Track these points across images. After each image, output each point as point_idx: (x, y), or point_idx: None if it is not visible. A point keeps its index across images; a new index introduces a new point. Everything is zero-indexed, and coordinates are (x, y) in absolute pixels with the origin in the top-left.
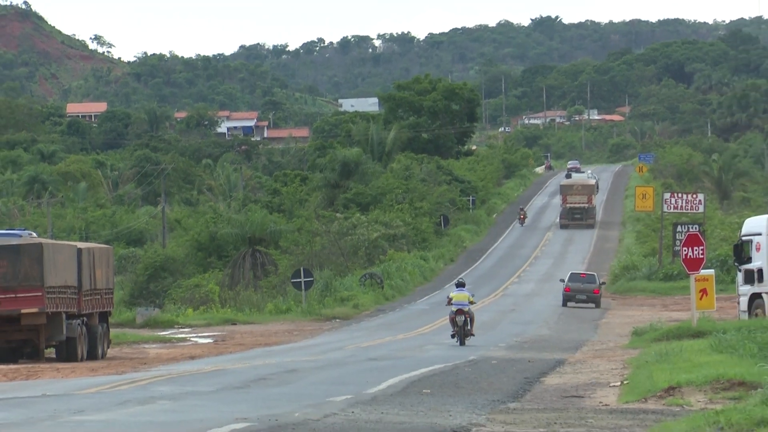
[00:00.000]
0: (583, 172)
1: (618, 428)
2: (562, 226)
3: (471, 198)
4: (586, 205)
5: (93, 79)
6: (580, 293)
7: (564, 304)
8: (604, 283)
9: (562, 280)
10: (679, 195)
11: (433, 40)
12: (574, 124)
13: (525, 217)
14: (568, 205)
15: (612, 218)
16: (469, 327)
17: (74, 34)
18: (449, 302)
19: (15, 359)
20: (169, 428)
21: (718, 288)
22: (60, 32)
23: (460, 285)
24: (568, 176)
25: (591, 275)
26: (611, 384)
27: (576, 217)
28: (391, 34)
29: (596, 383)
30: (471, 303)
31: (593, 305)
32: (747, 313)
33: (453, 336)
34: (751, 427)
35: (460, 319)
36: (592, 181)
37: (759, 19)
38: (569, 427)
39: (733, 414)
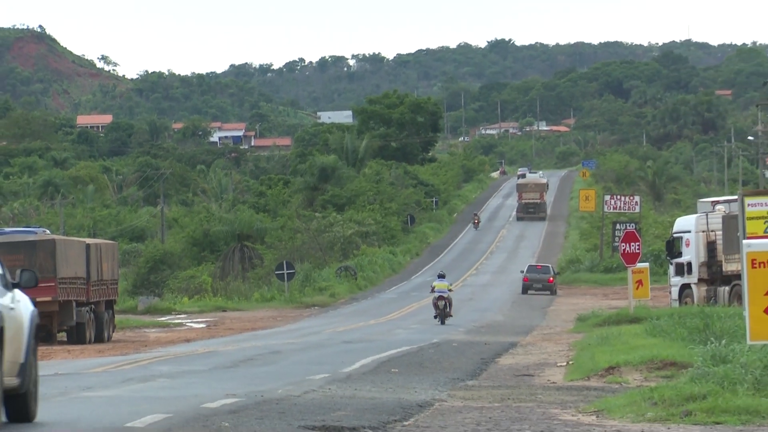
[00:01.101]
0: (536, 173)
1: (564, 403)
2: (519, 219)
3: (434, 199)
4: (539, 201)
5: (100, 94)
6: (537, 282)
7: (524, 292)
8: (558, 273)
9: (522, 272)
10: (618, 197)
11: (401, 59)
12: (525, 134)
13: (479, 222)
14: (523, 201)
15: (559, 217)
16: (448, 309)
17: (83, 54)
18: (432, 290)
19: None
20: (168, 403)
21: (652, 279)
22: (71, 53)
23: (441, 276)
24: (523, 176)
25: (546, 267)
26: (558, 364)
27: (530, 211)
28: (364, 55)
29: (545, 363)
30: (450, 291)
31: (548, 292)
32: (678, 302)
33: (435, 317)
34: (681, 402)
35: (441, 303)
36: (544, 181)
37: (688, 42)
38: (521, 402)
39: (665, 390)
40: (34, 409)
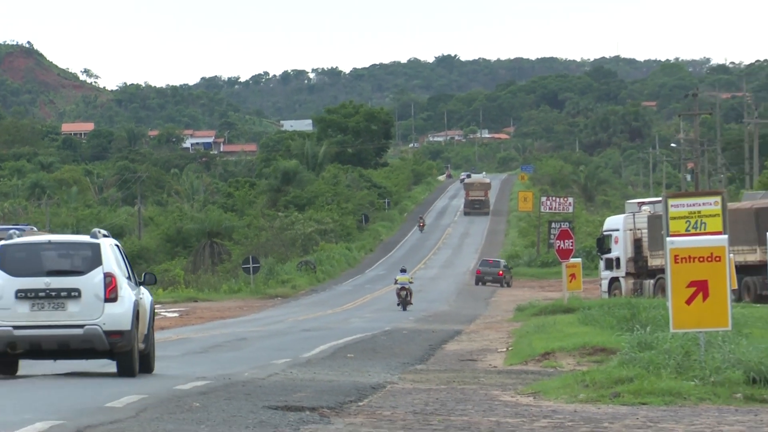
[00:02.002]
0: (481, 174)
1: (504, 386)
2: (466, 213)
3: (386, 200)
4: (483, 198)
5: (83, 104)
6: (488, 275)
7: (477, 284)
8: (510, 267)
9: (474, 267)
10: (553, 198)
11: (356, 73)
12: (469, 141)
13: (424, 225)
14: (470, 198)
15: (500, 217)
16: (409, 298)
17: (68, 68)
18: (396, 282)
19: None
20: (144, 385)
21: (584, 273)
22: (56, 66)
23: (403, 270)
24: (469, 176)
25: (497, 261)
26: (499, 350)
27: (476, 207)
28: (323, 68)
29: (487, 349)
30: (410, 282)
31: (498, 284)
32: (607, 293)
33: (398, 304)
34: (610, 385)
35: (403, 293)
36: (488, 181)
37: (617, 58)
38: (465, 384)
39: (596, 374)
40: (153, 365)
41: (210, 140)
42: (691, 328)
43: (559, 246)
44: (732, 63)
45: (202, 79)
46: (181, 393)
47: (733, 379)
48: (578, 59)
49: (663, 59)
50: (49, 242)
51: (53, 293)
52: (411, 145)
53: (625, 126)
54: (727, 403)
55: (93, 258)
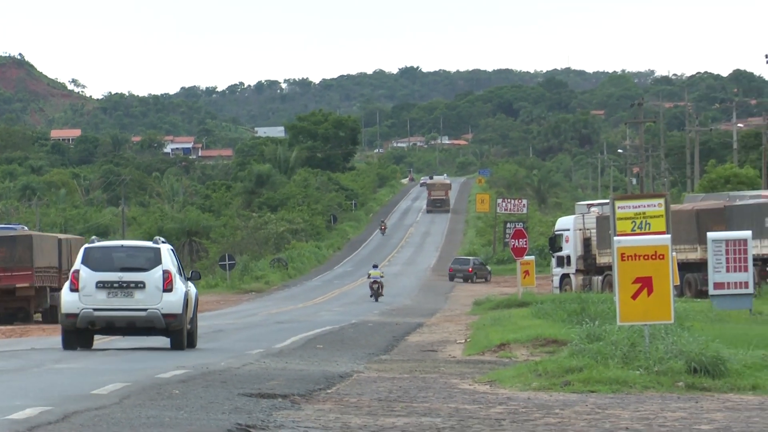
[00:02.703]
0: (442, 176)
1: (463, 374)
2: (428, 211)
3: (353, 202)
4: (444, 197)
5: (71, 111)
6: (459, 272)
7: (450, 280)
8: (484, 263)
9: (451, 265)
10: (509, 200)
11: (325, 83)
12: (430, 147)
13: (385, 228)
14: (432, 197)
15: (459, 217)
16: (381, 290)
17: (57, 78)
18: (369, 276)
19: (11, 322)
20: (127, 374)
21: (537, 270)
22: (46, 76)
23: (375, 266)
24: (431, 178)
25: (466, 259)
26: (457, 341)
27: (437, 205)
28: (294, 79)
29: (446, 341)
30: (381, 276)
31: (469, 281)
32: (558, 289)
33: (371, 296)
34: (561, 374)
35: (375, 286)
36: (448, 181)
37: (568, 69)
38: (426, 373)
39: (548, 364)
40: (196, 341)
41: (189, 146)
42: (636, 321)
43: (513, 245)
44: (674, 75)
45: (182, 88)
46: (162, 381)
47: (675, 369)
48: (532, 71)
49: (611, 71)
50: (122, 246)
51: (124, 284)
52: (376, 150)
53: (576, 133)
54: (669, 391)
55: (154, 259)
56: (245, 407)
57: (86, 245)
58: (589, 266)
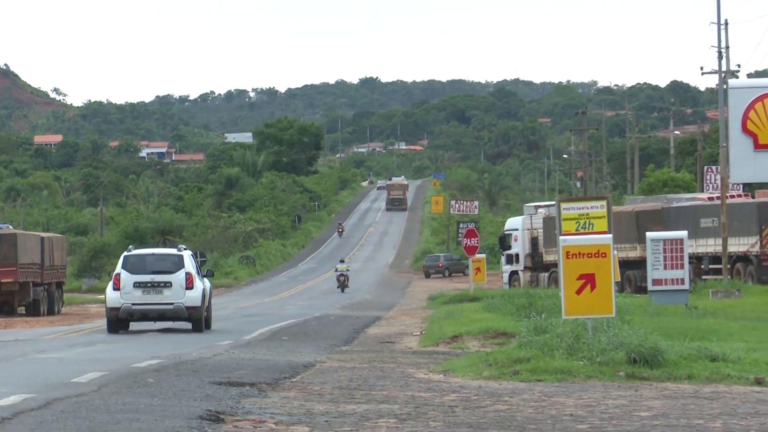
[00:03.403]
0: (400, 177)
1: (418, 364)
2: (387, 210)
3: (317, 203)
4: (402, 197)
5: (53, 118)
6: (431, 268)
7: (426, 276)
8: (459, 258)
9: (425, 263)
10: (462, 202)
11: (291, 92)
12: (388, 152)
13: (342, 230)
14: (391, 197)
15: (415, 217)
16: (347, 283)
17: (40, 87)
18: (336, 270)
19: None
20: (105, 363)
21: (488, 267)
22: (30, 85)
23: (342, 261)
24: (390, 179)
25: (437, 256)
26: (414, 333)
27: (396, 204)
28: (262, 88)
29: (403, 333)
30: (347, 270)
31: (441, 275)
32: (508, 285)
33: (338, 287)
34: (510, 364)
35: (342, 278)
36: (406, 182)
37: (517, 80)
38: (384, 363)
39: (497, 354)
40: (211, 324)
41: (163, 150)
42: (580, 315)
43: (466, 243)
44: (616, 85)
45: (157, 97)
46: (138, 370)
47: (616, 360)
48: (483, 81)
49: (556, 82)
50: (153, 254)
51: (155, 284)
52: (338, 155)
53: (524, 139)
54: (611, 380)
55: (179, 263)
56: (215, 395)
57: (125, 253)
58: (537, 264)
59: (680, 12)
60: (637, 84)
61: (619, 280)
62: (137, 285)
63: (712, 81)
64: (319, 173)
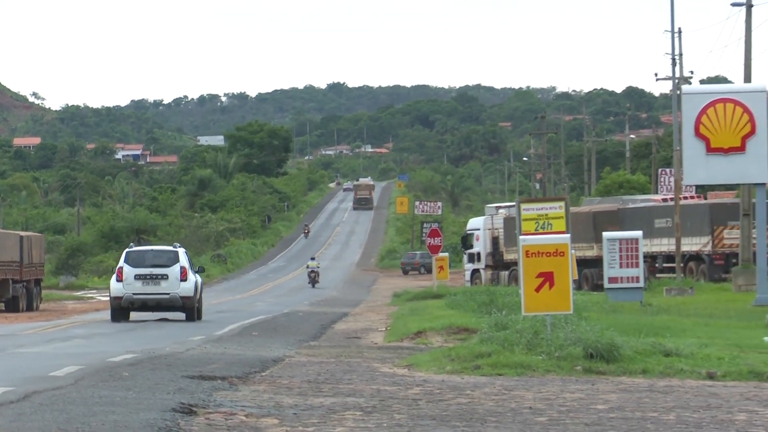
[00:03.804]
0: (367, 178)
1: (384, 359)
2: (354, 209)
3: (286, 204)
4: (368, 196)
5: (32, 121)
6: (407, 265)
7: (405, 273)
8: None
9: (402, 260)
10: (425, 203)
11: (261, 97)
12: (355, 155)
13: (308, 232)
14: (357, 196)
15: (381, 217)
16: (317, 279)
17: (19, 91)
18: (307, 267)
19: None
20: (82, 358)
21: (450, 265)
22: (9, 90)
23: (313, 258)
24: (357, 180)
25: (414, 254)
26: (379, 329)
27: (362, 203)
28: (233, 93)
29: (369, 329)
30: (318, 267)
31: (417, 272)
32: (470, 282)
33: (309, 283)
34: (472, 358)
35: (313, 275)
36: (372, 183)
37: (479, 86)
38: (351, 358)
39: (460, 349)
40: (202, 315)
41: (138, 152)
42: (539, 311)
43: (430, 242)
44: (574, 91)
45: (132, 101)
46: (113, 364)
47: (574, 355)
48: (446, 86)
49: (517, 87)
50: (151, 250)
51: (154, 276)
52: (306, 157)
53: (485, 143)
54: (569, 375)
55: (174, 258)
56: (188, 388)
57: (127, 249)
58: (497, 262)
59: (636, 20)
60: (594, 89)
61: (577, 278)
62: (138, 277)
63: (666, 87)
64: (288, 175)
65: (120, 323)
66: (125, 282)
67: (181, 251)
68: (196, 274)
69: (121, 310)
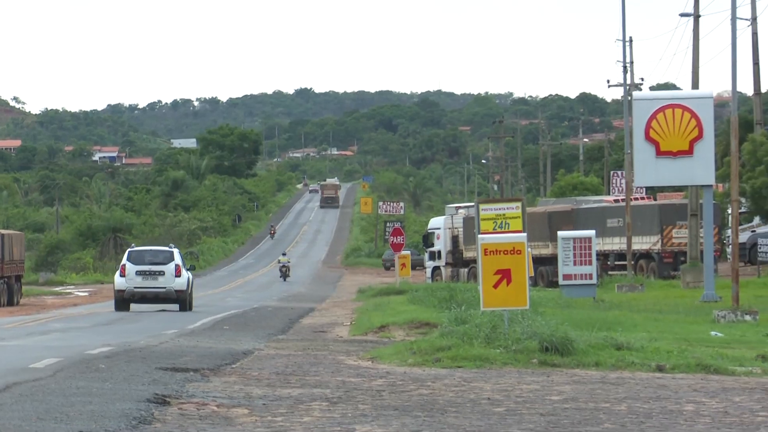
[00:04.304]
0: (334, 178)
1: (349, 352)
2: (321, 207)
3: (255, 204)
4: (334, 195)
5: (12, 125)
6: (387, 261)
7: (386, 269)
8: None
9: (383, 257)
10: (389, 203)
11: (232, 102)
12: (321, 157)
13: (274, 233)
14: (324, 195)
15: (346, 215)
16: (288, 273)
17: (0, 96)
18: (279, 262)
19: None
20: (60, 350)
21: (413, 263)
22: None
23: (284, 254)
24: (324, 180)
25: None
26: (344, 324)
27: (328, 202)
28: (205, 98)
29: (335, 323)
30: (288, 262)
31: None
32: (431, 279)
33: (281, 277)
34: (433, 352)
35: (284, 269)
36: (338, 183)
37: (440, 91)
38: (317, 351)
39: (421, 343)
40: (192, 306)
41: (114, 155)
42: (497, 307)
43: (393, 241)
44: (530, 96)
45: (108, 105)
46: (90, 357)
47: (530, 348)
48: (409, 92)
49: (476, 93)
50: (150, 249)
51: (152, 272)
52: (275, 159)
53: (446, 146)
54: (525, 367)
55: (170, 257)
56: (162, 379)
57: (129, 249)
58: (457, 260)
59: (589, 30)
60: (550, 95)
61: (533, 275)
62: (138, 273)
63: (618, 93)
64: (257, 176)
65: (96, 317)
66: (127, 277)
67: (176, 251)
68: (188, 271)
69: (123, 301)
